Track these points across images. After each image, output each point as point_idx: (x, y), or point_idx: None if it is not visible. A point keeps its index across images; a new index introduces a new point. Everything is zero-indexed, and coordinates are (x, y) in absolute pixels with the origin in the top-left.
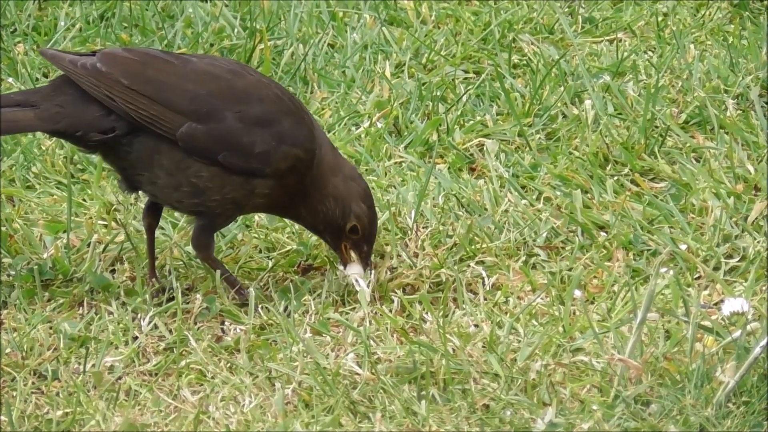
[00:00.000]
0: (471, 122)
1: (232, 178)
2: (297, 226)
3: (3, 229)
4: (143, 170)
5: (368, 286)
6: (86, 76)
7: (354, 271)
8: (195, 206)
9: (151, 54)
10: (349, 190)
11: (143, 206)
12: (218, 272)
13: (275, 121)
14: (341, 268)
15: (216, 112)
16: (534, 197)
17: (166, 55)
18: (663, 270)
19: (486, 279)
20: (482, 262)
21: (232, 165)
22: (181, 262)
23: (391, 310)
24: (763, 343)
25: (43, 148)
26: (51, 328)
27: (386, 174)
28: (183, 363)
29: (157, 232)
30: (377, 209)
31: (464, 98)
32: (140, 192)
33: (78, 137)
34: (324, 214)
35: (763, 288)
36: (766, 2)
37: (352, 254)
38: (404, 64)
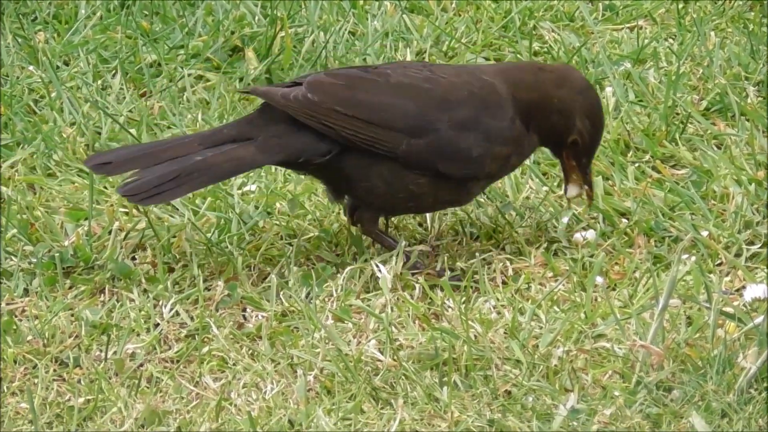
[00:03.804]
0: None
1: (449, 183)
2: (318, 213)
3: (24, 216)
4: (360, 182)
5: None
6: (301, 109)
7: (572, 193)
8: (409, 209)
9: (354, 75)
10: (574, 104)
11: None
12: (385, 242)
13: (479, 122)
14: (563, 190)
15: (429, 124)
16: (555, 184)
17: (366, 74)
18: (684, 256)
19: (508, 265)
20: (504, 249)
21: (451, 173)
22: (202, 246)
23: (412, 297)
24: None
25: (64, 136)
26: (72, 315)
27: None
28: (205, 350)
29: (176, 218)
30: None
31: None
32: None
33: (300, 163)
34: (548, 130)
35: None
36: None
37: (573, 165)
38: (425, 52)
